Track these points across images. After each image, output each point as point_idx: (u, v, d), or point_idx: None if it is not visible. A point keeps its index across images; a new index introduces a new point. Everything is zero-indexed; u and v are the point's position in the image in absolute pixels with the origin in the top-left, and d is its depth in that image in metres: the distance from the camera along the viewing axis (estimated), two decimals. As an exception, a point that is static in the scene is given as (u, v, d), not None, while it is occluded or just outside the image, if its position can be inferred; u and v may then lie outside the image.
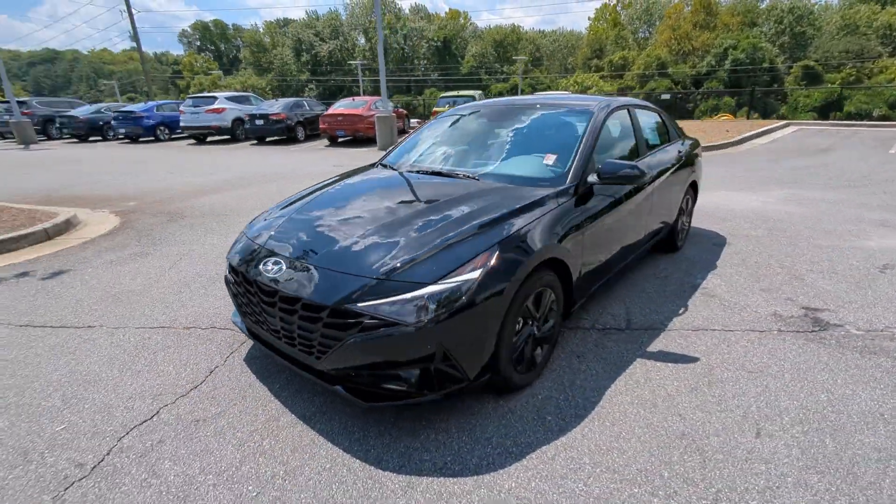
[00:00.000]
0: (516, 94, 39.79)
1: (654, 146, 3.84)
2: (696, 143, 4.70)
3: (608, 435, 2.13)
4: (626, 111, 3.57)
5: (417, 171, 3.15)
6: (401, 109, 17.58)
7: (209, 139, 17.18)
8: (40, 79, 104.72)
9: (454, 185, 2.80)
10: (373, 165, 3.55)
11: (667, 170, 3.83)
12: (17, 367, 2.76)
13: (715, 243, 4.77)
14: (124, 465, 2.00)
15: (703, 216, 5.75)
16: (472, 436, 2.14)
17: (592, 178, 2.74)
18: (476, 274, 2.02)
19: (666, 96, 24.15)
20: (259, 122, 15.19)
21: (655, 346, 2.86)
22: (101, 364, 2.78)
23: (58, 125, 18.49)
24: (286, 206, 2.89)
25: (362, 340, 1.92)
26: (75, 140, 18.58)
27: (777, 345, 2.85)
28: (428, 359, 1.97)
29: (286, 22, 62.70)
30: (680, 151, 4.17)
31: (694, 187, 4.56)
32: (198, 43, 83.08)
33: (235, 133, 16.26)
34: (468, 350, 2.04)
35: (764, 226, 5.32)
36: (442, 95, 17.13)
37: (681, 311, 3.30)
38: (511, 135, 3.26)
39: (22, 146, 16.65)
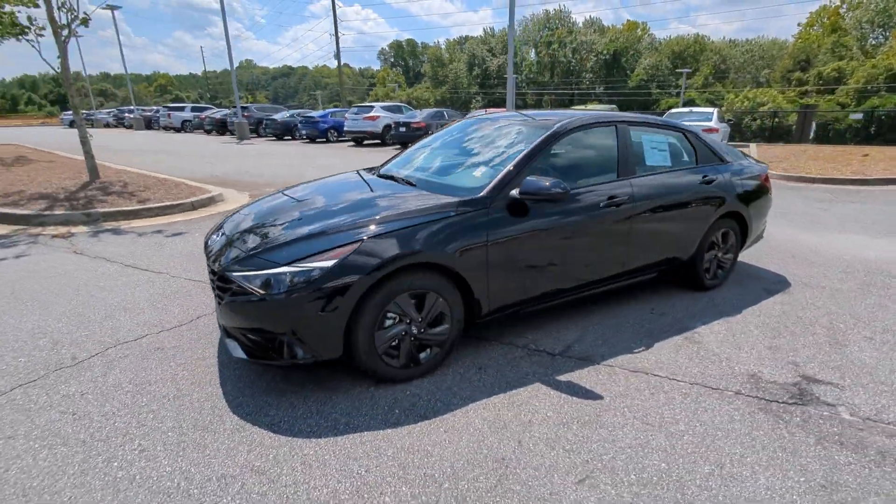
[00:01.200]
0: (684, 107, 35.78)
1: (656, 168, 3.42)
2: (753, 172, 3.97)
3: (430, 439, 2.14)
4: (609, 129, 3.29)
5: (382, 176, 3.42)
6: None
7: (365, 142, 19.56)
8: (278, 89, 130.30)
9: (387, 188, 3.02)
10: (368, 170, 3.90)
11: (677, 196, 3.39)
12: (95, 290, 3.85)
13: (767, 288, 3.96)
14: (94, 366, 2.73)
15: (782, 256, 4.77)
16: (321, 407, 2.36)
17: (515, 193, 2.68)
18: (330, 263, 2.25)
19: (857, 116, 19.07)
20: (402, 129, 16.79)
21: (570, 377, 2.65)
22: (143, 298, 3.70)
23: (264, 126, 23.02)
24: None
25: (231, 303, 2.32)
26: (273, 138, 22.91)
27: (714, 405, 2.40)
28: (280, 330, 2.27)
29: (465, 39, 66.95)
30: (709, 177, 3.61)
31: (739, 220, 3.86)
32: (391, 59, 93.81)
33: (385, 138, 18.21)
34: (315, 329, 2.28)
35: (858, 279, 4.18)
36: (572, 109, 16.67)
37: (637, 350, 2.94)
38: (474, 147, 3.30)
39: (237, 141, 21.25)
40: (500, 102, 54.26)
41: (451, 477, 1.92)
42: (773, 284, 4.08)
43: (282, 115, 22.95)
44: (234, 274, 2.32)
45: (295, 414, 2.31)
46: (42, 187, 7.36)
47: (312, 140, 21.05)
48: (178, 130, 29.94)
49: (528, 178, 2.67)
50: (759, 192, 4.00)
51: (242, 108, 23.66)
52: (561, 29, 53.91)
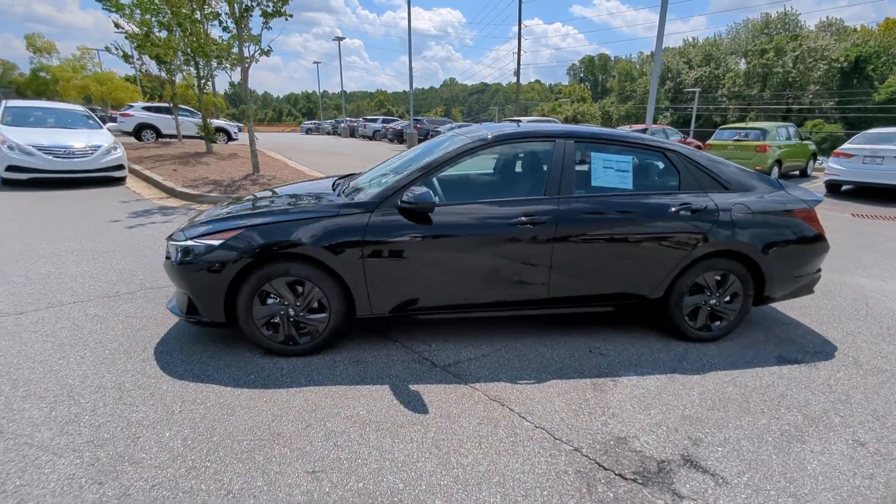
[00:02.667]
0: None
1: (605, 190, 2.96)
2: (775, 205, 3.10)
3: (253, 402, 2.41)
4: (547, 144, 2.98)
5: (336, 180, 3.73)
6: (692, 140, 15.41)
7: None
8: (472, 104, 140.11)
9: (320, 190, 3.33)
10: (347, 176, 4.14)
11: (630, 224, 2.93)
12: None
13: (784, 355, 3.03)
14: (56, 315, 3.73)
15: (834, 314, 3.50)
16: (217, 364, 2.84)
17: (399, 201, 2.74)
18: (216, 242, 2.71)
19: None
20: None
21: (425, 388, 2.60)
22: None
23: (430, 136, 25.35)
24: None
25: (165, 264, 2.97)
26: (437, 148, 25.05)
27: (533, 452, 2.11)
28: (185, 290, 2.83)
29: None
30: (690, 206, 2.96)
31: (748, 263, 3.04)
32: (581, 74, 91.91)
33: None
34: (202, 295, 2.76)
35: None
36: (722, 127, 14.04)
37: (521, 382, 2.67)
38: (417, 158, 3.36)
39: (406, 147, 23.88)
40: (688, 120, 48.52)
41: (233, 434, 2.18)
42: (800, 350, 3.10)
43: (446, 128, 24.90)
44: (168, 242, 2.97)
45: (169, 360, 2.84)
46: (219, 175, 9.70)
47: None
48: (369, 138, 34.90)
49: (414, 188, 2.71)
50: (785, 232, 3.09)
51: (416, 120, 26.42)
52: (782, 35, 45.35)
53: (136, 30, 11.72)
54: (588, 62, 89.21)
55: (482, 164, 3.77)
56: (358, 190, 3.13)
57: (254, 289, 2.74)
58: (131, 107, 20.96)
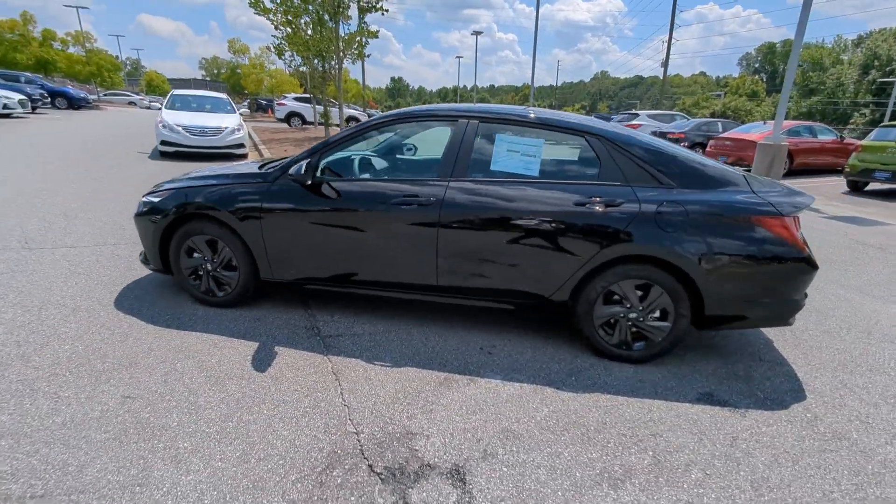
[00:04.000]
0: None
1: (502, 175, 2.64)
2: (722, 207, 2.44)
3: (142, 339, 2.81)
4: (448, 124, 2.77)
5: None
6: (851, 141, 12.27)
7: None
8: (623, 98, 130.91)
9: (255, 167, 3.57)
10: None
11: (523, 214, 2.61)
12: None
13: (711, 392, 2.39)
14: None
15: (839, 357, 2.56)
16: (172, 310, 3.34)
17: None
18: (156, 199, 3.16)
19: None
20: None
21: (282, 351, 2.70)
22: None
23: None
24: None
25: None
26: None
27: (294, 418, 2.08)
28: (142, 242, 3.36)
29: (868, 35, 49.60)
30: (601, 200, 2.49)
31: (680, 275, 2.45)
32: (756, 64, 79.10)
33: (643, 148, 16.60)
34: (146, 244, 3.25)
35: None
36: (885, 124, 10.69)
37: (375, 362, 2.60)
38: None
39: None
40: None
41: (106, 356, 2.58)
42: (746, 392, 2.41)
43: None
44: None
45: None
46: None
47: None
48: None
49: (300, 163, 2.80)
50: (734, 241, 2.42)
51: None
52: None
53: (283, 30, 13.55)
54: (767, 49, 76.15)
55: (427, 145, 3.62)
56: (282, 167, 3.29)
57: (179, 243, 3.13)
58: (285, 97, 24.39)
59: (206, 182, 3.13)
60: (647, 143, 2.68)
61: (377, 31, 13.83)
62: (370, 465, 1.88)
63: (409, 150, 3.67)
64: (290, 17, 12.52)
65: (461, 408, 2.26)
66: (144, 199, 3.26)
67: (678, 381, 2.54)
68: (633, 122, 16.84)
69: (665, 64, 37.40)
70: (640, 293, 2.59)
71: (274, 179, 2.96)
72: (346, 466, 1.87)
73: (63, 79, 39.47)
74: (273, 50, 15.33)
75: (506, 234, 2.64)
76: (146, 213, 3.18)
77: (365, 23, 12.84)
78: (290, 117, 22.77)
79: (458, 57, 58.69)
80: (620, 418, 2.23)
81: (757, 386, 2.53)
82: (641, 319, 2.62)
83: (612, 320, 2.67)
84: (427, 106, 3.10)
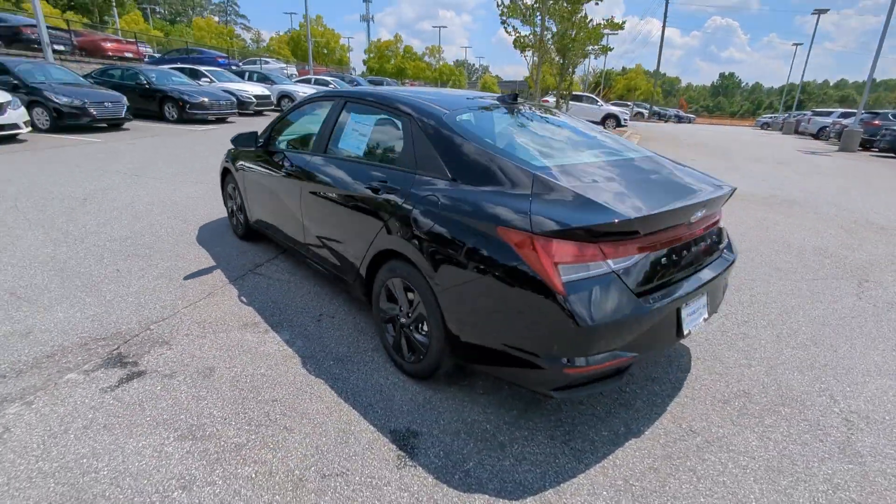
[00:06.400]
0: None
1: (340, 153, 2.59)
2: (462, 204, 1.83)
3: (178, 243, 4.16)
4: (330, 103, 2.89)
5: None
6: None
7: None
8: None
9: None
10: None
11: (336, 190, 2.60)
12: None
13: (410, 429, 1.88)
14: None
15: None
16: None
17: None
18: (222, 157, 4.47)
19: None
20: None
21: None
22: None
23: (879, 137, 17.02)
24: None
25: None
26: (883, 153, 16.51)
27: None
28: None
29: None
30: (386, 185, 2.17)
31: (419, 277, 1.96)
32: None
33: None
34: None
35: None
36: None
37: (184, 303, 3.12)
38: None
39: (830, 151, 17.18)
40: None
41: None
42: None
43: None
44: None
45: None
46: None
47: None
48: (814, 137, 26.67)
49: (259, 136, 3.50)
50: (468, 254, 1.82)
51: (874, 114, 18.35)
52: None
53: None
54: None
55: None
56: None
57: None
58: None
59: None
60: (457, 129, 2.17)
61: (623, 23, 13.23)
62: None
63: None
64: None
65: (221, 342, 2.59)
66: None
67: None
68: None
69: None
70: (409, 296, 2.22)
71: (258, 147, 3.70)
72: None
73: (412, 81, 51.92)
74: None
75: (331, 207, 2.68)
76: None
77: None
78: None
79: (796, 44, 46.10)
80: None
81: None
82: (410, 327, 2.24)
83: (391, 319, 2.38)
84: (324, 90, 3.30)
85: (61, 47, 16.93)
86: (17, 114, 8.51)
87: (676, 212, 1.82)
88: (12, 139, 8.55)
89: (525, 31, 13.16)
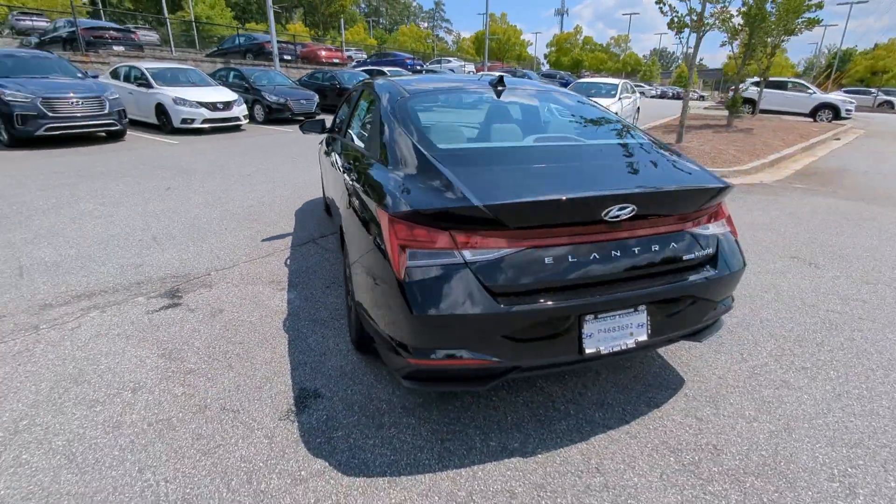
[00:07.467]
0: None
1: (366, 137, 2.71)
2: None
3: (281, 213, 5.00)
4: (358, 91, 3.10)
5: None
6: None
7: None
8: None
9: None
10: None
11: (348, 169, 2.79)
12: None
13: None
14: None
15: None
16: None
17: None
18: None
19: None
20: None
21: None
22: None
23: None
24: None
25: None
26: None
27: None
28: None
29: None
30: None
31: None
32: None
33: None
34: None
35: None
36: None
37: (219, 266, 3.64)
38: None
39: None
40: None
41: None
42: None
43: None
44: None
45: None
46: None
47: None
48: None
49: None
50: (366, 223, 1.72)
51: None
52: None
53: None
54: None
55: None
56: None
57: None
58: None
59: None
60: (393, 109, 2.14)
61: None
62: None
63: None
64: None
65: (244, 292, 3.10)
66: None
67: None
68: None
69: None
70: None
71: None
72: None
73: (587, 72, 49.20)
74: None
75: (342, 184, 2.89)
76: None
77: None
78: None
79: None
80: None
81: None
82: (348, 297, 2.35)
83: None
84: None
85: (288, 57, 21.34)
86: (240, 109, 11.14)
87: (564, 203, 1.50)
88: (237, 129, 11.19)
89: (682, 9, 11.35)
